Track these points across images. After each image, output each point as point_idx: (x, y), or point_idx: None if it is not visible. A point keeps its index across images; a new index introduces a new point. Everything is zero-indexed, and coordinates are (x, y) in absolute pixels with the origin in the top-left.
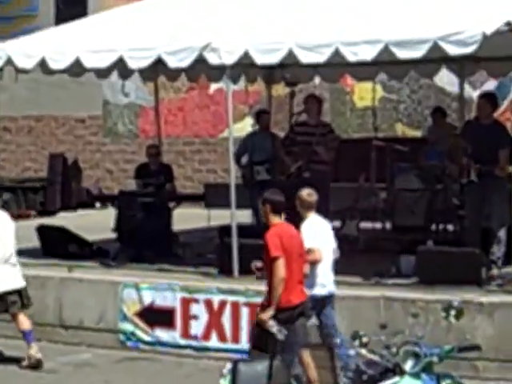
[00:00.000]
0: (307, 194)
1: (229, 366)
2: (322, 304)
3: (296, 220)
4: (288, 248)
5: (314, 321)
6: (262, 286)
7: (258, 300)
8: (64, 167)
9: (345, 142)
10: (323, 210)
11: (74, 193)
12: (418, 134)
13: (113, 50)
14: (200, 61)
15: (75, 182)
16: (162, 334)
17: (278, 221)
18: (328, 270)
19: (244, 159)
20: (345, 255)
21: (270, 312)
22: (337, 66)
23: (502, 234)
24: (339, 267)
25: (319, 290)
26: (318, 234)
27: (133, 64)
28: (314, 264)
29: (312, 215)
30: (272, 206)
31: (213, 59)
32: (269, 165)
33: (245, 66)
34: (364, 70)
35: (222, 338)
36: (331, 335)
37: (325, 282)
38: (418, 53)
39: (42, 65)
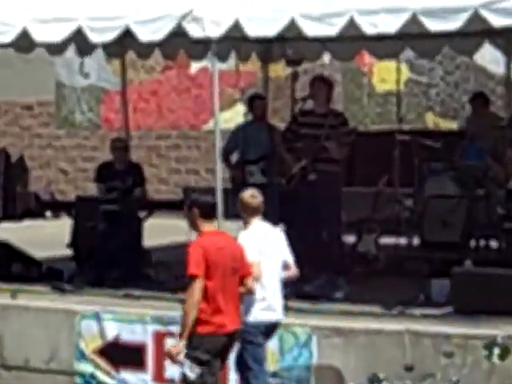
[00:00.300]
0: (250, 195)
1: None
2: (266, 334)
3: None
4: (216, 262)
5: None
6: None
7: None
8: (6, 166)
9: (361, 136)
10: (333, 221)
11: (19, 198)
12: (453, 125)
13: (69, 20)
14: (179, 33)
15: (20, 184)
16: (130, 376)
17: (208, 228)
18: (275, 290)
19: (234, 157)
20: (360, 278)
21: (181, 344)
22: (351, 41)
23: None
24: (353, 294)
25: (267, 315)
26: (261, 245)
27: (94, 37)
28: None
29: (256, 221)
30: (201, 210)
31: (195, 31)
32: (264, 164)
33: (235, 40)
34: (386, 46)
35: None
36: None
37: (273, 305)
38: (453, 24)
39: None
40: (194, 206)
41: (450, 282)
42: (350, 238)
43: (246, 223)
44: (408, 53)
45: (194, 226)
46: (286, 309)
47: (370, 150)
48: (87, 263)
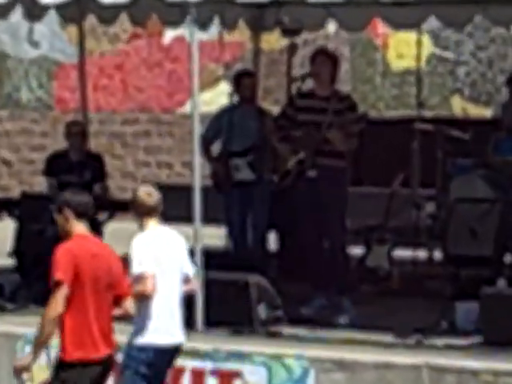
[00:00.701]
0: (146, 192)
1: None
2: (162, 361)
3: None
4: (87, 271)
5: None
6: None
7: (233, 365)
8: None
9: (372, 124)
10: (337, 228)
11: None
12: (486, 113)
13: None
14: None
15: None
16: None
17: (80, 231)
18: (173, 309)
19: (216, 147)
20: (369, 299)
21: (28, 359)
22: (362, 6)
23: None
24: (361, 318)
25: (161, 339)
26: (158, 253)
27: None
28: (145, 298)
29: (153, 224)
30: (75, 212)
31: None
32: (253, 156)
33: (219, 4)
34: (404, 13)
35: None
36: None
37: (170, 327)
38: None
39: None
40: (66, 205)
41: (479, 306)
42: (356, 250)
43: (140, 226)
44: (431, 22)
45: (63, 228)
46: (279, 335)
47: (383, 142)
48: (33, 275)
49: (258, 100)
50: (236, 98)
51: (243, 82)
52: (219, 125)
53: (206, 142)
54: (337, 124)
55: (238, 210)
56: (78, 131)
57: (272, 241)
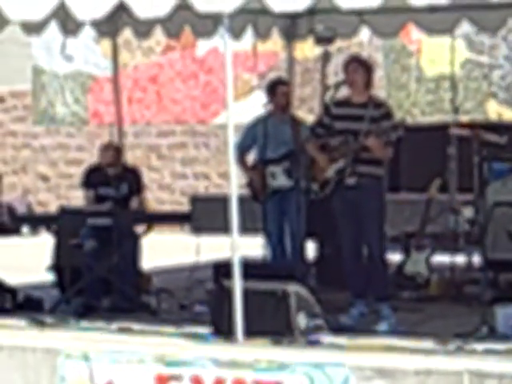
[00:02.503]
0: None
1: None
2: None
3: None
4: None
5: None
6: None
7: (274, 375)
8: None
9: (408, 130)
10: (376, 235)
11: None
12: None
13: None
14: (182, 6)
15: None
16: None
17: None
18: None
19: (251, 157)
20: (409, 306)
21: None
22: (394, 13)
23: None
24: (400, 325)
25: None
26: None
27: (82, 14)
28: None
29: None
30: None
31: (201, 4)
32: (289, 164)
33: (252, 14)
34: (437, 19)
35: None
36: None
37: None
38: None
39: None
40: None
41: None
42: (395, 257)
43: None
44: (465, 27)
45: None
46: (318, 344)
47: (420, 148)
48: (73, 290)
49: (292, 109)
50: (270, 108)
51: (278, 90)
52: (254, 134)
53: (241, 152)
54: (374, 131)
55: (275, 219)
56: (112, 156)
57: (310, 249)
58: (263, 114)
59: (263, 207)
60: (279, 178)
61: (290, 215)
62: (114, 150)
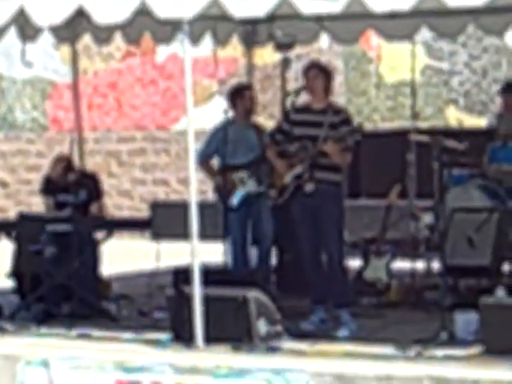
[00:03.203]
0: None
1: None
2: None
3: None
4: None
5: None
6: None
7: (235, 381)
8: None
9: (368, 136)
10: (335, 241)
11: None
12: (481, 122)
13: None
14: (142, 12)
15: None
16: None
17: None
18: None
19: (215, 163)
20: (369, 312)
21: None
22: (354, 19)
23: None
24: (361, 331)
25: None
26: None
27: (41, 19)
28: None
29: None
30: None
31: (161, 10)
32: (257, 169)
33: (212, 20)
34: (396, 25)
35: None
36: None
37: None
38: None
39: None
40: None
41: (479, 316)
42: (355, 263)
43: None
44: (424, 33)
45: None
46: (278, 350)
47: (379, 154)
48: (32, 296)
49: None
50: (230, 114)
51: (241, 96)
52: (218, 140)
53: (205, 158)
54: (332, 137)
55: (242, 224)
56: (64, 166)
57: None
58: (225, 121)
59: (227, 213)
60: (249, 183)
61: (258, 221)
62: (65, 162)
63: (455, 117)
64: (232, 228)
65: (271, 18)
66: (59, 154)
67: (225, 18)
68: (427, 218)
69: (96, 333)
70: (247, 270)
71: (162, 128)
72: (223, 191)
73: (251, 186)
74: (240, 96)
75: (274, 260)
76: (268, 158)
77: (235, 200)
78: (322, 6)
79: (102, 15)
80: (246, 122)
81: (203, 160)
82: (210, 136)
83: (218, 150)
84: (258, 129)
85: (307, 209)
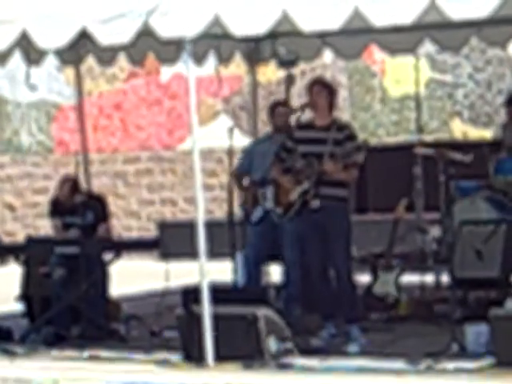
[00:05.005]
0: None
1: None
2: None
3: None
4: None
5: None
6: (252, 378)
7: None
8: None
9: (373, 151)
10: (343, 257)
11: None
12: (486, 134)
13: (12, 22)
14: (145, 33)
15: None
16: None
17: None
18: None
19: (246, 181)
20: (378, 327)
21: None
22: (356, 34)
23: None
24: (371, 346)
25: None
26: None
27: (44, 42)
28: None
29: None
30: None
31: (164, 30)
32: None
33: (215, 39)
34: (399, 39)
35: None
36: None
37: None
38: (482, 10)
39: None
40: None
41: (489, 328)
42: (364, 278)
43: None
44: (427, 46)
45: None
46: (289, 367)
47: (386, 168)
48: (42, 319)
49: (258, 131)
50: (267, 131)
51: (277, 110)
52: (250, 155)
53: (240, 175)
54: (337, 154)
55: (258, 240)
56: (69, 188)
57: (278, 273)
58: (262, 136)
59: (252, 228)
60: (269, 200)
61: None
62: (71, 183)
63: (460, 129)
64: (250, 243)
65: (273, 35)
66: (65, 175)
67: (227, 36)
68: (435, 231)
69: (106, 354)
70: (256, 288)
71: (168, 148)
72: (246, 206)
73: (270, 203)
74: (272, 113)
75: (282, 277)
76: (273, 176)
77: (256, 215)
78: (323, 23)
79: (106, 36)
80: (278, 137)
81: (237, 178)
82: (245, 151)
83: (250, 165)
84: None
85: (314, 225)
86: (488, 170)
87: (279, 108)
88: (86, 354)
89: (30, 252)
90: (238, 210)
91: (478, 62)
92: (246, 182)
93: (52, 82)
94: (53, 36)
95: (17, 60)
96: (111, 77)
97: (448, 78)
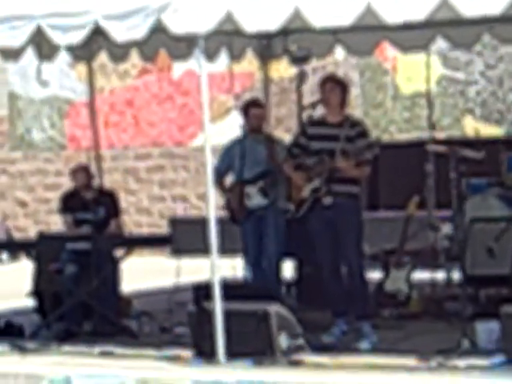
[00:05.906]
0: None
1: None
2: None
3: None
4: None
5: None
6: (263, 375)
7: None
8: None
9: (385, 148)
10: (354, 254)
11: None
12: (498, 132)
13: (27, 18)
14: (158, 29)
15: None
16: None
17: None
18: None
19: (229, 178)
20: (390, 323)
21: None
22: (368, 31)
23: None
24: (382, 343)
25: None
26: None
27: (59, 38)
28: None
29: None
30: None
31: (176, 26)
32: (264, 183)
33: (227, 36)
34: (411, 36)
35: None
36: None
37: None
38: (494, 7)
39: None
40: None
41: (500, 325)
42: (375, 275)
43: None
44: (439, 43)
45: None
46: (300, 364)
47: (397, 165)
48: (53, 315)
49: (268, 128)
50: (245, 128)
51: (251, 112)
52: (231, 156)
53: (219, 174)
54: (349, 151)
55: (253, 239)
56: (83, 178)
57: (290, 269)
58: (239, 136)
59: (242, 228)
60: (254, 198)
61: (267, 235)
62: (85, 171)
63: (472, 126)
64: (245, 243)
65: (285, 31)
66: (76, 165)
67: (239, 32)
68: (446, 228)
69: (117, 350)
70: (267, 284)
71: (180, 144)
72: (232, 207)
73: (257, 200)
74: (246, 113)
75: (293, 273)
76: (285, 172)
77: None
78: (334, 19)
79: (119, 33)
80: (257, 136)
81: (216, 177)
82: (223, 152)
83: (231, 166)
84: (270, 142)
85: (326, 222)
86: (500, 167)
87: (253, 109)
88: (97, 350)
89: (41, 248)
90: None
91: (490, 59)
92: (228, 181)
93: (64, 79)
94: (66, 31)
95: (29, 56)
96: (123, 73)
97: (460, 75)
